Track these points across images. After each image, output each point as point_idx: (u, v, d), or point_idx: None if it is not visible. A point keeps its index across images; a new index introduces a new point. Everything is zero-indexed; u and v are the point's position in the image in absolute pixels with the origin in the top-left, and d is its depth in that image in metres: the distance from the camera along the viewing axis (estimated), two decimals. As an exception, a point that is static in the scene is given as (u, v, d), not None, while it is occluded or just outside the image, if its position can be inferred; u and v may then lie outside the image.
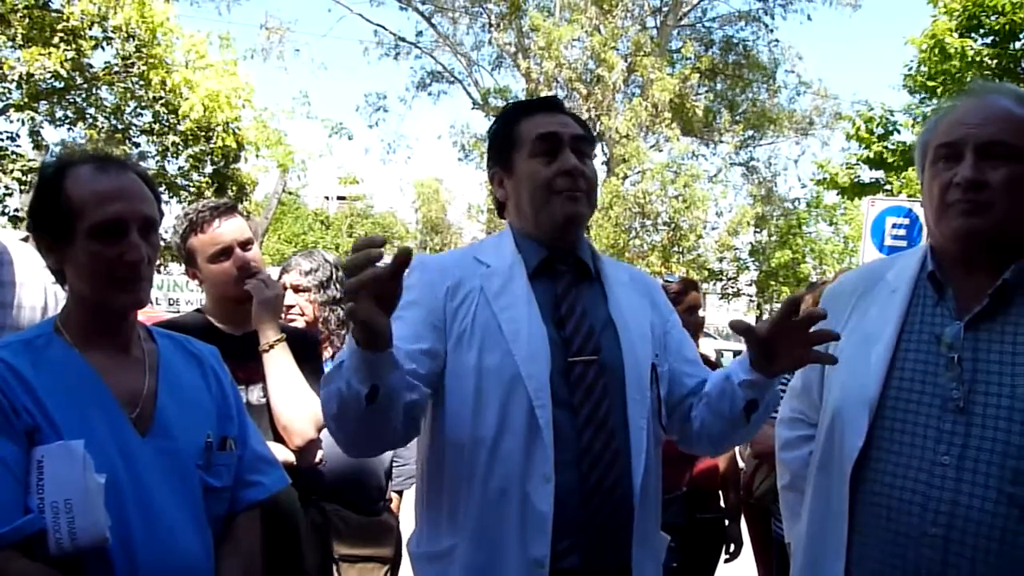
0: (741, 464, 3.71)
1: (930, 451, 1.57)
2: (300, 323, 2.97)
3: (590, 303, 1.86)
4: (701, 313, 3.79)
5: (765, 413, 1.79)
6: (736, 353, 14.63)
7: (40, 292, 2.34)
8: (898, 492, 1.59)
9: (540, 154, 1.82)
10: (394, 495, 3.24)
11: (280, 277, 3.09)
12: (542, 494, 1.67)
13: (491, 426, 1.71)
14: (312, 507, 2.82)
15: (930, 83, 11.56)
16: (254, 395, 2.39)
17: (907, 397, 1.63)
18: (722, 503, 3.68)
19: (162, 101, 12.80)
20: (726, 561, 3.66)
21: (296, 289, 3.04)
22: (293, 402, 2.37)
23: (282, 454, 2.29)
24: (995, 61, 11.04)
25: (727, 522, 3.66)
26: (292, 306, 3.01)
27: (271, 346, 2.37)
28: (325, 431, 2.48)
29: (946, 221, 1.61)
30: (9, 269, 2.31)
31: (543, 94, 22.02)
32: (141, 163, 1.80)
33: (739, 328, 1.59)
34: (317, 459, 2.54)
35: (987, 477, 1.50)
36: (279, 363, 2.38)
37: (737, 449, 3.64)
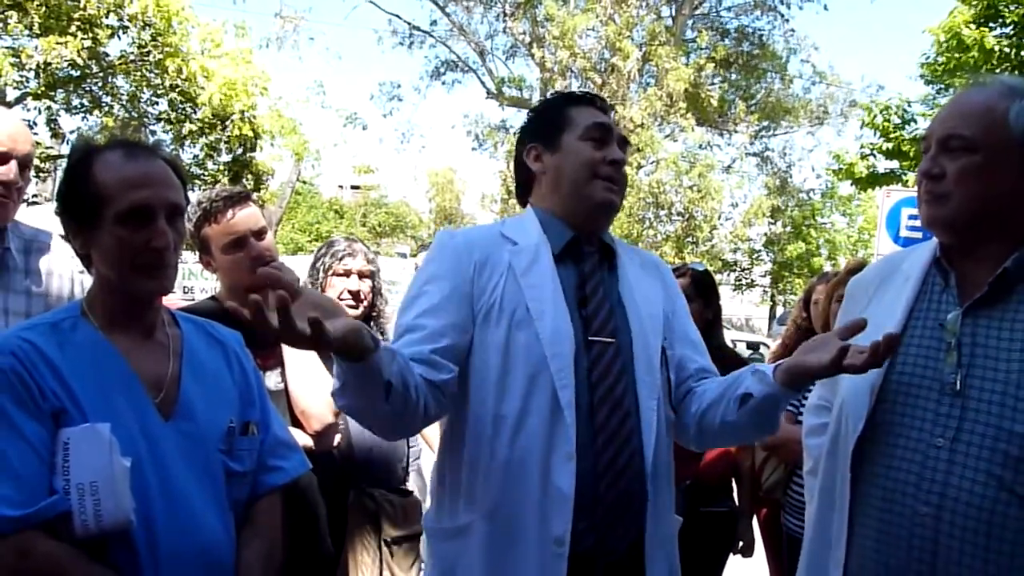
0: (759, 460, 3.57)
1: (927, 433, 1.60)
2: (360, 311, 2.90)
3: (608, 286, 1.90)
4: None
5: (756, 414, 1.74)
6: (749, 344, 14.55)
7: (68, 281, 2.36)
8: (894, 473, 1.62)
9: (591, 139, 1.90)
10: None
11: (336, 260, 2.98)
12: (564, 472, 1.69)
13: (515, 404, 1.72)
14: (362, 495, 2.83)
15: (947, 77, 11.44)
16: (271, 381, 2.40)
17: (908, 381, 1.66)
18: (736, 499, 3.57)
19: (178, 89, 12.82)
20: (737, 555, 3.55)
21: (361, 275, 2.98)
22: (311, 387, 2.39)
23: (300, 439, 2.31)
24: (1013, 51, 10.91)
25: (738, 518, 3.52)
26: (357, 291, 2.94)
27: None
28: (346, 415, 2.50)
29: (920, 210, 1.70)
30: (47, 257, 2.33)
31: (557, 84, 22.02)
32: None
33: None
34: (335, 443, 2.55)
35: (978, 460, 1.53)
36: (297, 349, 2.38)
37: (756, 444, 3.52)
